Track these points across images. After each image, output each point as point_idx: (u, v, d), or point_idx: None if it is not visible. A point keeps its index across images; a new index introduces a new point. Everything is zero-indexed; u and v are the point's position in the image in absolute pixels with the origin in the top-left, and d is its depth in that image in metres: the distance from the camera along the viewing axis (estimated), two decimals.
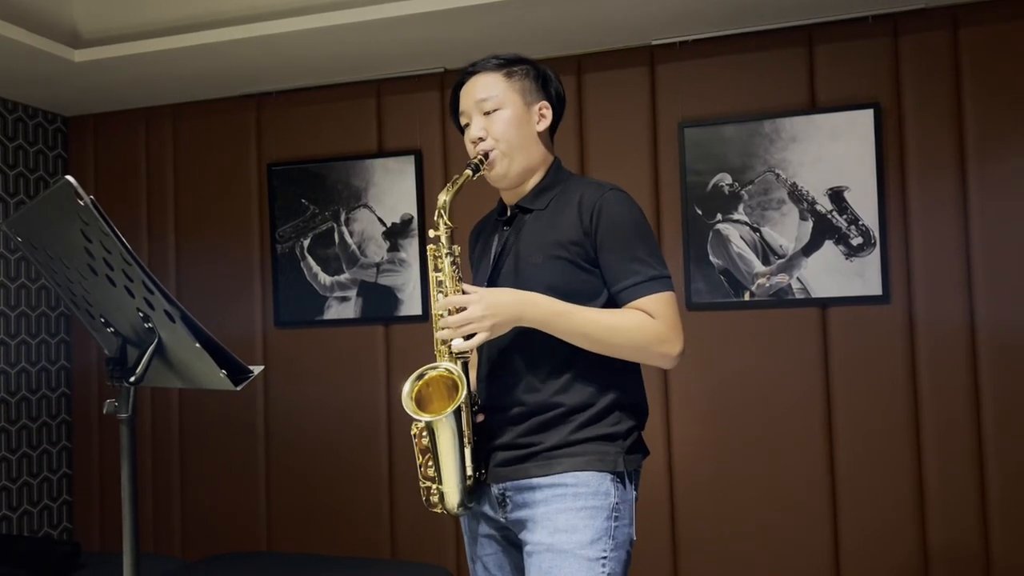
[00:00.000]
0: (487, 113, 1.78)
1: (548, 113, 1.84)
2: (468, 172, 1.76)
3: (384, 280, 3.60)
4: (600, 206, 1.71)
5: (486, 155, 1.77)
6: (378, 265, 3.61)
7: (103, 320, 1.45)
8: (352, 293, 3.64)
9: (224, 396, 3.61)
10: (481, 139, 1.78)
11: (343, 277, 3.66)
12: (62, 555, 3.22)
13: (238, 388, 1.32)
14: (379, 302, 3.60)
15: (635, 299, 1.68)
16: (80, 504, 3.99)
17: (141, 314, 1.34)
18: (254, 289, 3.78)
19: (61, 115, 4.04)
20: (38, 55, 3.26)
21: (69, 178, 1.20)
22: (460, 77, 1.85)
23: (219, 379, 1.32)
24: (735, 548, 3.19)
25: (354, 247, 3.64)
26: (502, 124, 1.77)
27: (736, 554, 3.19)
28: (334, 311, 3.66)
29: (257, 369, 1.35)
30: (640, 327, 1.66)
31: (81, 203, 1.21)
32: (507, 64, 1.82)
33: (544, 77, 1.85)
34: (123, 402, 1.39)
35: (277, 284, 3.73)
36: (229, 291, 3.80)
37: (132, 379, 1.38)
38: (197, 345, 1.29)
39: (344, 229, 3.66)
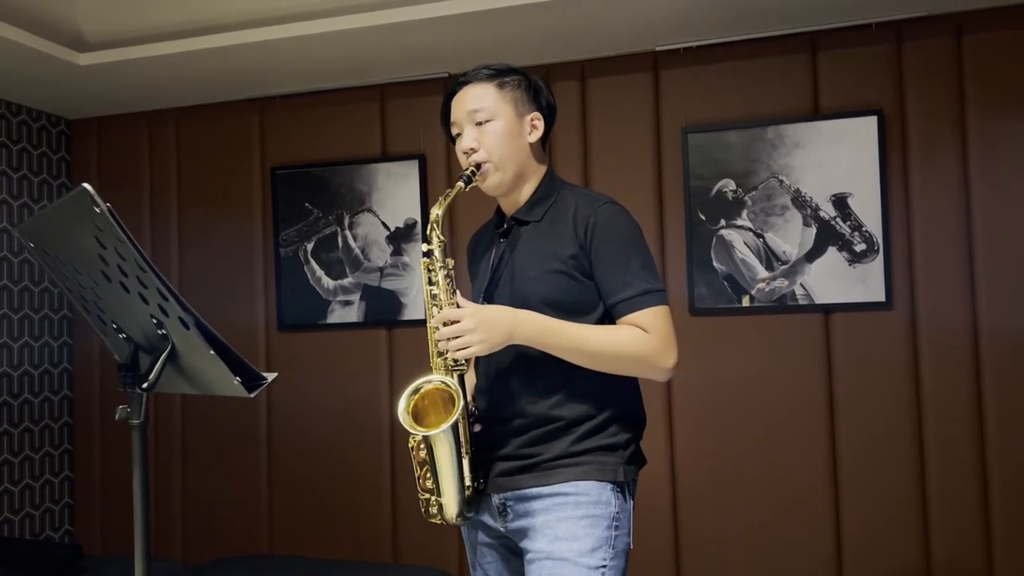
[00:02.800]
0: (479, 124, 1.78)
1: (540, 124, 1.84)
2: (460, 184, 1.76)
3: (387, 284, 3.61)
4: (595, 220, 1.72)
5: (478, 166, 1.78)
6: (381, 269, 3.62)
7: (115, 326, 1.46)
8: (355, 297, 3.65)
9: (227, 400, 3.59)
10: (473, 150, 1.78)
11: (346, 281, 3.66)
12: (64, 557, 3.22)
13: (252, 395, 1.33)
14: (382, 306, 3.61)
15: (629, 313, 1.69)
16: (81, 507, 3.99)
17: (155, 320, 1.34)
18: (257, 292, 3.79)
19: (65, 118, 4.04)
20: (42, 58, 3.26)
21: (86, 185, 1.21)
22: (451, 87, 1.85)
23: (232, 386, 1.32)
24: (737, 553, 3.20)
25: (357, 251, 3.65)
26: (494, 135, 1.78)
27: (738, 559, 3.19)
28: (337, 315, 3.66)
29: (271, 376, 1.35)
30: (633, 342, 1.67)
31: (97, 210, 1.22)
32: (499, 75, 1.82)
33: (535, 88, 1.86)
34: (135, 408, 1.40)
35: (280, 288, 3.73)
36: (232, 294, 3.81)
37: (144, 385, 1.39)
38: (212, 352, 1.29)
39: (348, 233, 3.66)
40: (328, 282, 3.68)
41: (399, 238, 3.60)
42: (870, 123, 3.10)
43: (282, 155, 3.78)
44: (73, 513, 3.99)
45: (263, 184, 3.80)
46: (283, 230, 3.74)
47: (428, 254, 1.75)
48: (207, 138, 3.89)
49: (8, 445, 3.69)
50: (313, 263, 3.70)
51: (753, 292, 3.20)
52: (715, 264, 3.25)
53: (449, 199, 1.76)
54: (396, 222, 3.60)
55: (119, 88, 3.65)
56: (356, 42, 3.21)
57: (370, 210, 3.64)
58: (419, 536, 3.50)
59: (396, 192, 3.60)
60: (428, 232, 1.75)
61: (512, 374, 1.75)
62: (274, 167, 3.77)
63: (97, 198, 1.20)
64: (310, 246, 3.70)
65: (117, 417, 1.41)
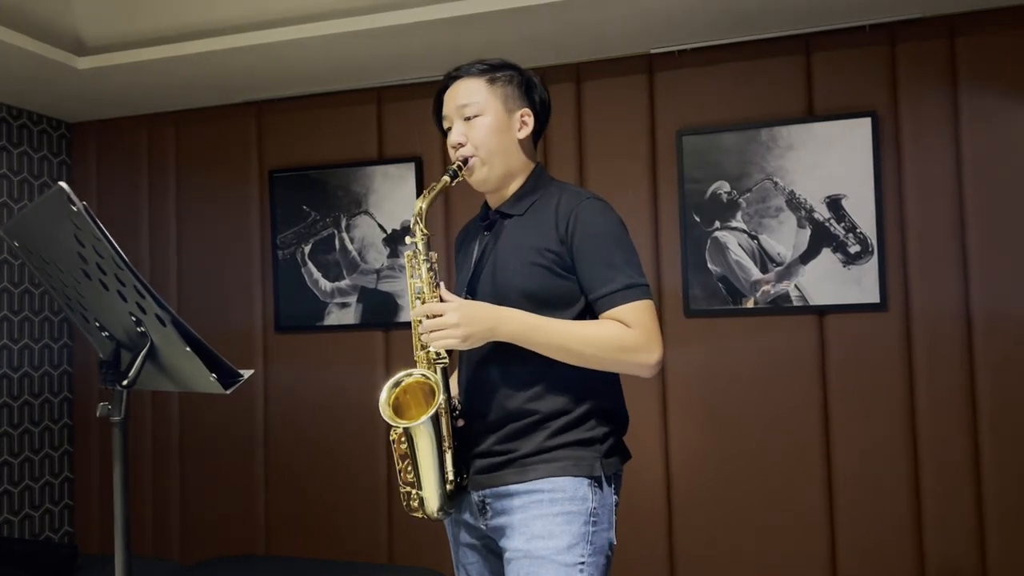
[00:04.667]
0: (468, 119, 1.79)
1: (530, 120, 1.84)
2: (446, 178, 1.76)
3: (384, 286, 3.62)
4: (577, 214, 1.71)
5: (465, 161, 1.78)
6: (378, 271, 3.63)
7: (97, 324, 1.47)
8: (352, 299, 3.66)
9: (224, 401, 3.61)
10: (461, 144, 1.79)
11: (343, 283, 3.68)
12: (60, 558, 3.23)
13: (228, 391, 1.34)
14: (379, 308, 3.62)
15: (611, 308, 1.68)
16: (81, 508, 4.01)
17: (133, 318, 1.36)
18: (255, 294, 3.80)
19: (65, 121, 4.08)
20: (42, 62, 3.29)
21: (62, 184, 1.22)
22: (444, 81, 1.86)
23: (209, 382, 1.33)
24: (732, 555, 3.19)
25: (354, 253, 3.67)
26: (482, 131, 1.78)
27: (733, 562, 3.19)
28: (334, 317, 3.68)
29: (247, 373, 1.36)
30: (616, 338, 1.66)
31: (74, 208, 1.23)
32: (491, 70, 1.82)
33: (528, 83, 1.85)
34: (116, 405, 1.41)
35: (278, 290, 3.75)
36: (230, 296, 3.83)
37: (125, 382, 1.40)
38: (187, 348, 1.30)
39: (345, 235, 3.68)
40: (325, 284, 3.70)
41: (396, 240, 3.61)
42: (864, 125, 3.10)
43: (279, 158, 3.80)
44: (73, 514, 4.01)
45: (261, 186, 3.82)
46: (280, 232, 3.76)
47: (411, 247, 1.75)
48: (205, 141, 3.92)
49: (8, 446, 3.71)
50: (310, 265, 3.72)
51: (757, 296, 3.19)
52: (710, 266, 3.25)
53: (434, 193, 1.76)
54: (393, 224, 3.62)
55: (118, 92, 3.68)
56: (352, 45, 3.23)
57: (367, 212, 3.65)
58: (414, 537, 3.51)
59: (393, 194, 3.62)
60: (412, 225, 1.75)
61: (490, 369, 1.75)
62: (272, 170, 3.79)
63: (73, 196, 1.22)
64: (307, 248, 3.72)
65: (98, 414, 1.42)
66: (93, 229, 1.24)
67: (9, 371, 3.72)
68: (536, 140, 1.89)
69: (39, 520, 3.84)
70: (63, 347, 3.99)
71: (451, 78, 1.85)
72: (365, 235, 3.65)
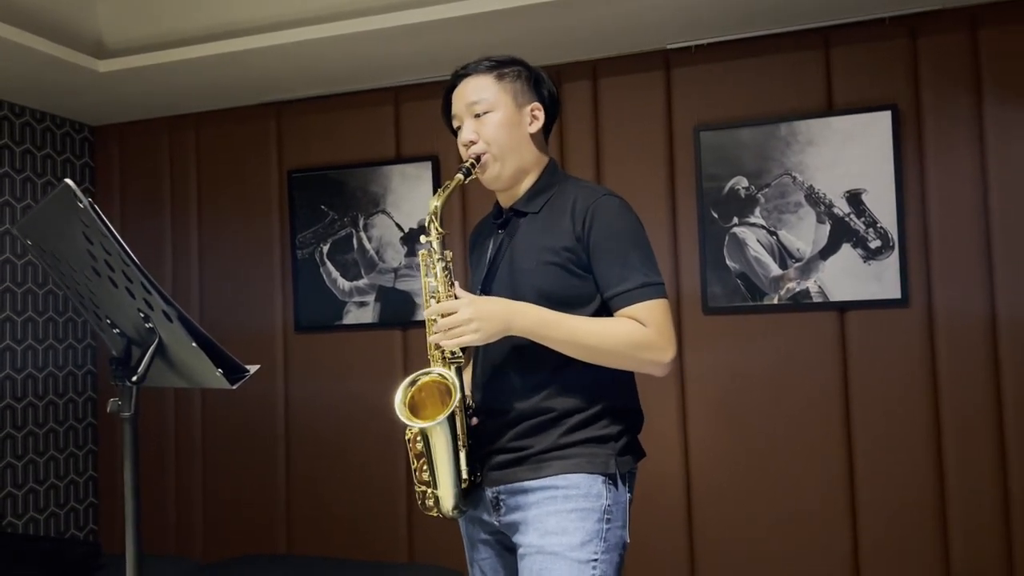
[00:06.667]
0: (478, 116, 1.77)
1: (540, 115, 1.82)
2: (459, 176, 1.75)
3: (402, 285, 3.63)
4: (593, 212, 1.69)
5: (478, 158, 1.77)
6: (396, 270, 3.64)
7: (109, 321, 1.48)
8: (370, 298, 3.67)
9: (245, 400, 3.65)
10: (472, 142, 1.77)
11: (362, 282, 3.69)
12: (81, 556, 3.26)
13: (234, 387, 1.34)
14: (397, 307, 3.63)
15: (626, 306, 1.67)
16: (105, 506, 4.05)
17: (142, 314, 1.37)
18: (275, 294, 3.83)
19: (88, 124, 4.13)
20: (64, 66, 3.33)
21: (68, 181, 1.23)
22: (451, 80, 1.84)
23: (216, 378, 1.34)
24: (752, 551, 3.16)
25: (372, 252, 3.68)
26: (493, 127, 1.76)
27: (753, 557, 3.16)
28: (353, 316, 3.69)
29: (253, 368, 1.36)
30: (629, 336, 1.65)
31: (80, 206, 1.24)
32: (498, 66, 1.80)
33: (536, 78, 1.84)
34: (126, 401, 1.41)
35: (297, 289, 3.77)
36: (250, 295, 3.86)
37: (134, 378, 1.40)
38: (194, 344, 1.31)
39: (363, 235, 3.69)
40: (344, 283, 3.71)
41: (413, 239, 3.62)
42: (884, 119, 3.06)
43: (298, 158, 3.82)
44: (97, 512, 4.06)
45: (280, 187, 3.85)
46: (300, 232, 3.78)
47: (426, 246, 1.75)
48: (225, 142, 3.95)
49: (33, 445, 3.76)
50: (329, 265, 3.74)
51: (781, 292, 3.16)
52: (728, 262, 3.23)
53: (448, 191, 1.75)
54: (410, 223, 3.63)
55: (139, 94, 3.72)
56: (369, 45, 3.24)
57: (384, 212, 3.66)
58: (434, 536, 3.51)
59: (410, 194, 3.63)
60: (427, 224, 1.74)
61: (506, 367, 1.74)
62: (291, 170, 3.81)
63: (79, 193, 1.22)
64: (326, 248, 3.74)
65: (109, 410, 1.43)
66: (99, 226, 1.24)
67: (34, 371, 3.77)
68: (546, 135, 1.88)
69: (64, 518, 3.89)
70: (87, 347, 4.04)
71: (459, 76, 1.83)
72: (383, 234, 3.67)
